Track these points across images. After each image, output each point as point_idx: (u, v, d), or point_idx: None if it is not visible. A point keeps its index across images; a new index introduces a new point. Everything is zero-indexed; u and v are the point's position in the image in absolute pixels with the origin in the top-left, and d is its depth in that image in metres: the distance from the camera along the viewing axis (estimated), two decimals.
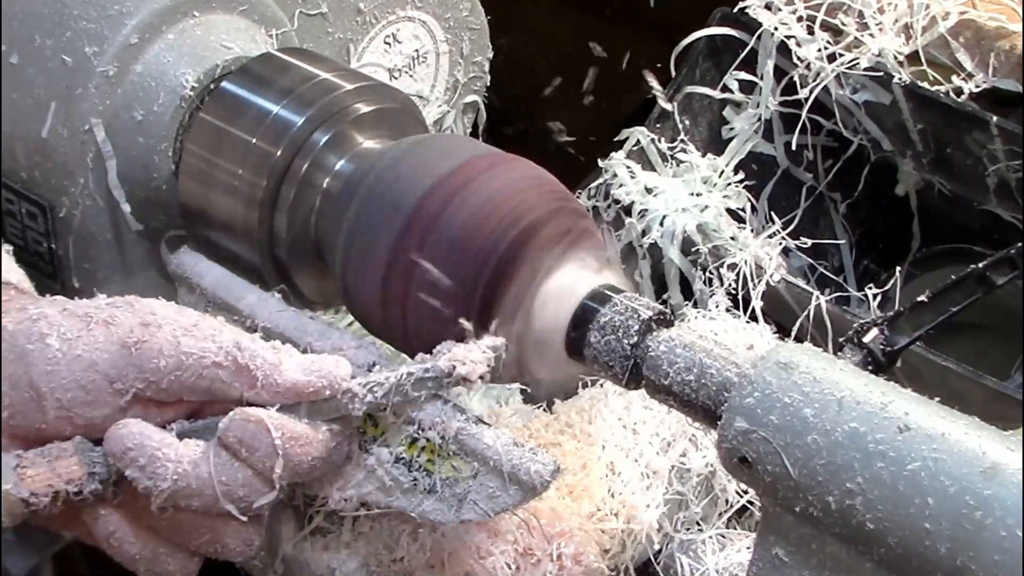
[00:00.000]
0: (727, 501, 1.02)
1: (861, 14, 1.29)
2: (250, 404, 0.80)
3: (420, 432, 0.83)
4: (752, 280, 1.18)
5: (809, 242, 1.30)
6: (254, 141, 0.94)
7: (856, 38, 1.28)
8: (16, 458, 0.77)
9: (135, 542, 0.80)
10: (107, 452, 0.78)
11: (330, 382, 0.80)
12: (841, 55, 1.28)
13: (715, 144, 1.37)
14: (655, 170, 1.33)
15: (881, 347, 0.89)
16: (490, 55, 1.31)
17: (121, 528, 0.80)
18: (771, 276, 1.18)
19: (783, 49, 1.32)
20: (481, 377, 0.82)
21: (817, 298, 1.15)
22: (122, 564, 0.81)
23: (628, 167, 1.30)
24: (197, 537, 0.80)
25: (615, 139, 1.34)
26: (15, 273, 0.88)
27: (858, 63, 1.27)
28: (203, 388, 0.79)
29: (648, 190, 1.28)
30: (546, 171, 0.90)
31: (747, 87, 1.36)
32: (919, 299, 0.92)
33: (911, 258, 1.42)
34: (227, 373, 0.79)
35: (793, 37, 1.31)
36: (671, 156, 1.33)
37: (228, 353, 0.79)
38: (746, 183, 1.33)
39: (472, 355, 0.82)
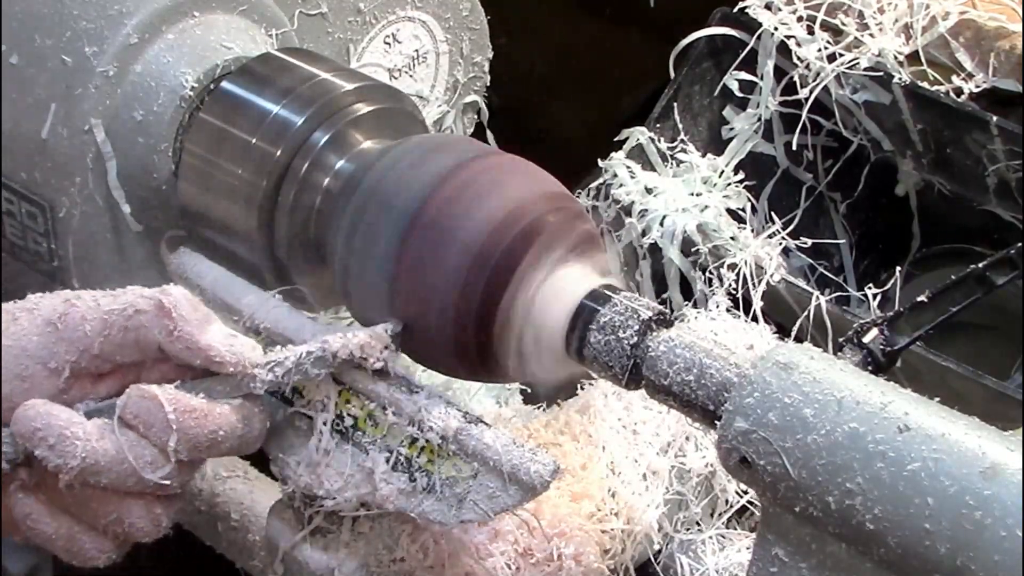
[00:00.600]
0: (727, 501, 1.02)
1: (861, 14, 1.29)
2: (166, 358, 0.81)
3: (420, 432, 0.83)
4: (752, 280, 1.18)
5: (809, 242, 1.30)
6: (254, 141, 0.94)
7: (856, 38, 1.28)
8: None
9: (50, 522, 0.81)
10: (15, 432, 0.79)
11: (238, 361, 0.81)
12: (841, 55, 1.28)
13: (715, 144, 1.37)
14: (655, 170, 1.33)
15: (881, 347, 0.89)
16: (490, 55, 1.31)
17: (36, 509, 0.81)
18: (771, 276, 1.18)
19: (783, 49, 1.32)
20: (380, 359, 0.84)
21: (817, 298, 1.15)
22: (43, 545, 0.82)
23: (628, 167, 1.30)
24: (104, 516, 0.81)
25: (615, 139, 1.34)
26: None
27: (858, 63, 1.27)
28: (131, 342, 0.80)
29: (648, 190, 1.28)
30: (546, 172, 0.90)
31: (747, 87, 1.36)
32: (919, 299, 0.92)
33: (911, 258, 1.42)
34: (148, 317, 0.80)
35: (793, 37, 1.31)
36: (671, 156, 1.33)
37: (151, 298, 0.80)
38: (746, 183, 1.33)
39: (363, 336, 0.84)
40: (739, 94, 1.36)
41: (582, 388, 1.05)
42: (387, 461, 0.84)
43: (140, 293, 0.81)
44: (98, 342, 0.80)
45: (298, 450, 0.87)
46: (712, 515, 1.02)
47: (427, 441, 0.83)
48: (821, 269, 1.36)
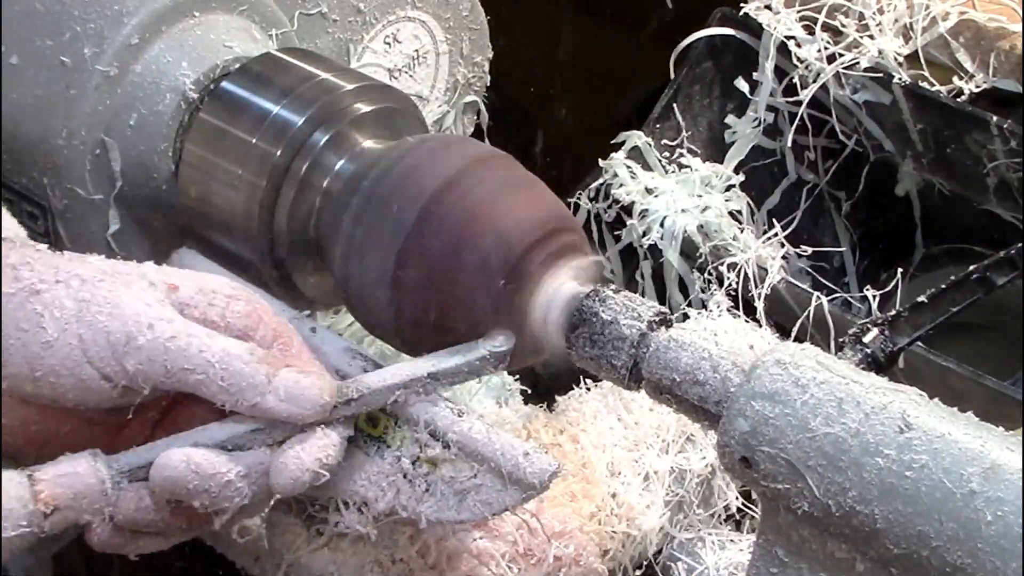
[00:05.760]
0: (727, 501, 1.02)
1: (861, 15, 1.29)
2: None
3: (420, 433, 0.83)
4: (753, 281, 1.18)
5: (810, 250, 1.30)
6: (254, 141, 0.94)
7: (856, 39, 1.29)
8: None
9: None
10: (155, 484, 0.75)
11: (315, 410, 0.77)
12: (841, 55, 1.28)
13: (715, 144, 1.37)
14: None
15: (881, 347, 0.89)
16: (490, 55, 1.31)
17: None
18: (773, 278, 1.18)
19: (783, 49, 1.32)
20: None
21: (818, 298, 1.15)
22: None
23: (628, 167, 1.30)
24: None
25: (614, 140, 1.34)
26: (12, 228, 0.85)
27: (858, 63, 1.27)
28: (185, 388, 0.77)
29: (648, 190, 1.28)
30: (542, 177, 0.90)
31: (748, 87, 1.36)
32: (919, 299, 0.92)
33: (911, 258, 1.42)
34: (211, 391, 0.76)
35: (793, 38, 1.31)
36: (671, 160, 1.34)
37: (215, 372, 0.76)
38: (746, 183, 1.33)
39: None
40: (740, 94, 1.36)
41: (584, 389, 1.05)
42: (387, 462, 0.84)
43: (208, 356, 0.75)
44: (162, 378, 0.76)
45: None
46: (712, 515, 1.02)
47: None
48: (819, 277, 1.36)
